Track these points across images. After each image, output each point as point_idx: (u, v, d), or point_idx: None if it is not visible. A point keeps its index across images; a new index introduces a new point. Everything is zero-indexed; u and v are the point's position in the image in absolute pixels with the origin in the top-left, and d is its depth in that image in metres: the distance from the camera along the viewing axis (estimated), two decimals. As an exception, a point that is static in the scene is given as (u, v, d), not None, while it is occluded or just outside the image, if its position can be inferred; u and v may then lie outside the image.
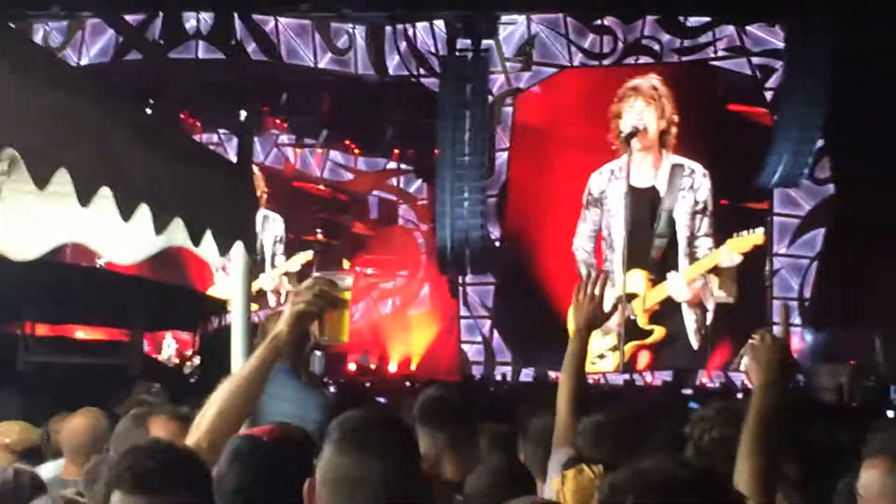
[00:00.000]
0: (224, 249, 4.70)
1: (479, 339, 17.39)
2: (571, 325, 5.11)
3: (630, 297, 14.44)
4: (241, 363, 4.84)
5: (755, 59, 16.84)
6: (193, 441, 3.53)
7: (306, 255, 17.49)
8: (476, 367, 16.97)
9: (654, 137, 15.03)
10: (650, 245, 14.60)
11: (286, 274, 17.61)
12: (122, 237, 4.61)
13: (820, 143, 15.97)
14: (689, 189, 15.06)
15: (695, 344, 14.90)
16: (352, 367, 15.98)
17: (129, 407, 7.32)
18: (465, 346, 17.48)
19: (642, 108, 14.89)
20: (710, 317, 15.15)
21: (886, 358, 14.56)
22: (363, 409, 3.20)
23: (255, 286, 14.96)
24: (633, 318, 14.49)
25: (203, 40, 18.00)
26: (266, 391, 3.84)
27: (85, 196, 3.59)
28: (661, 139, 15.06)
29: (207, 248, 4.62)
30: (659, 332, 14.60)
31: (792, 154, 15.51)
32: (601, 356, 14.29)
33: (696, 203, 15.00)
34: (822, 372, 14.38)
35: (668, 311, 14.82)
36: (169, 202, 4.14)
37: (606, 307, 5.12)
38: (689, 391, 13.08)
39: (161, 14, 17.73)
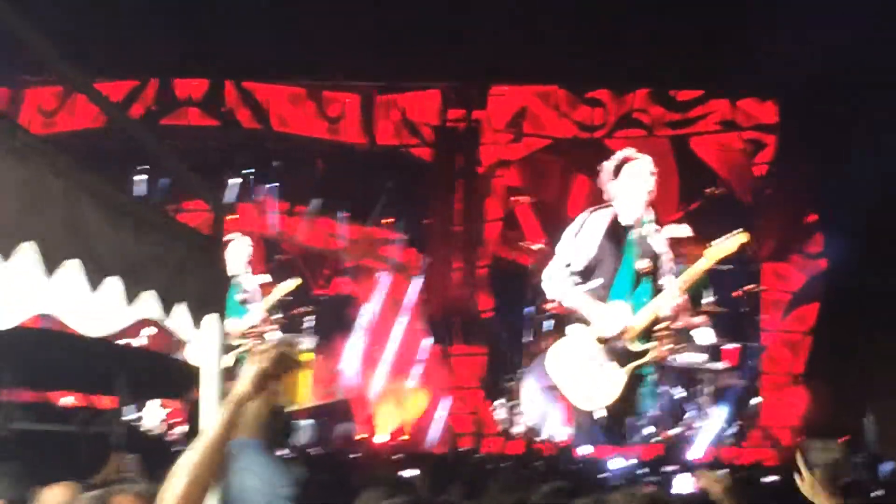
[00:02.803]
0: (197, 321, 4.68)
1: (470, 410, 17.25)
2: None
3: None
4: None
5: (746, 134, 16.88)
6: None
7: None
8: (466, 439, 16.81)
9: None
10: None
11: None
12: (91, 309, 4.58)
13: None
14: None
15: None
16: (337, 437, 15.79)
17: (103, 479, 7.24)
18: (454, 418, 17.34)
19: (629, 182, 13.95)
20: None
21: (878, 434, 14.47)
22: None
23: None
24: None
25: (195, 107, 18.08)
26: (237, 464, 3.77)
27: (50, 268, 3.56)
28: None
29: (180, 319, 4.59)
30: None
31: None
32: None
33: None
34: (813, 447, 14.27)
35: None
36: (139, 275, 4.11)
37: None
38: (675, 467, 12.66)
39: (153, 80, 17.81)
